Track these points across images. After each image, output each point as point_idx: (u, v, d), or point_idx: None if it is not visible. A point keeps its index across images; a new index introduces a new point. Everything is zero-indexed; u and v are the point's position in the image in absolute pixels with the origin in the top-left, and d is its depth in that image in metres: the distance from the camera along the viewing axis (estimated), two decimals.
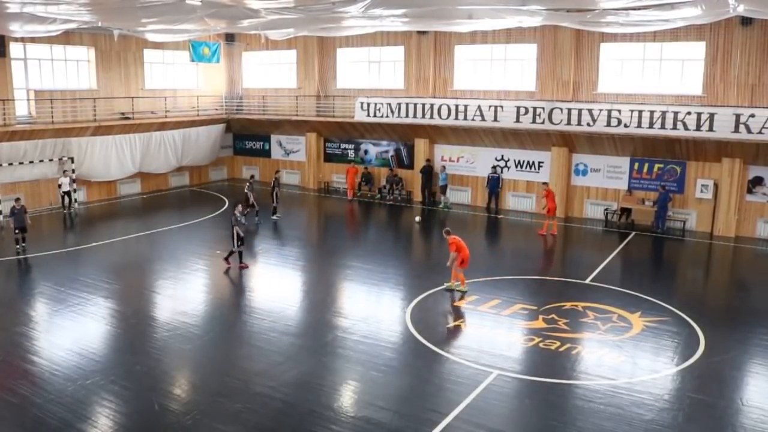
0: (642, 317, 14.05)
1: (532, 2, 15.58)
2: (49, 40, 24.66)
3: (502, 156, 25.98)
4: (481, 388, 10.68)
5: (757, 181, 21.51)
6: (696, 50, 22.15)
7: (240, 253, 17.67)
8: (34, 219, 20.82)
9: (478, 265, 18.21)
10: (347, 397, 10.66)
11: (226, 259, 17.83)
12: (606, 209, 23.91)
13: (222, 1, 15.76)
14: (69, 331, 13.18)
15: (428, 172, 27.03)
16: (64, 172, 25.03)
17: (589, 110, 22.62)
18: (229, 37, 31.52)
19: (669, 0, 14.76)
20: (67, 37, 25.19)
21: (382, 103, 26.93)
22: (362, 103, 27.47)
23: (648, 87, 23.04)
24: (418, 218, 24.33)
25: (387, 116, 26.88)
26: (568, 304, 14.82)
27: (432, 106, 25.78)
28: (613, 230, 22.84)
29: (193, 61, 28.52)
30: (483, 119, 24.72)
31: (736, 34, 21.05)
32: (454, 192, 26.80)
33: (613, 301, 15.12)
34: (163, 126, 28.98)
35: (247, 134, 33.12)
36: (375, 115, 27.21)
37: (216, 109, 32.28)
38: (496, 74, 26.07)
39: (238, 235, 17.54)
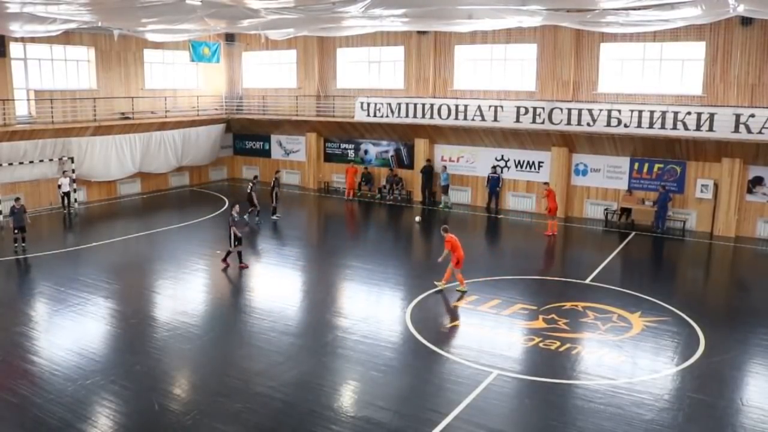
0: (642, 317, 14.05)
1: (532, 2, 15.57)
2: (49, 40, 24.66)
3: (502, 156, 25.98)
4: (481, 388, 10.68)
5: (757, 181, 21.51)
6: (696, 50, 22.15)
7: (239, 253, 17.66)
8: (34, 219, 20.84)
9: (478, 265, 18.22)
10: (347, 397, 10.66)
11: (224, 259, 17.84)
12: (606, 209, 23.91)
13: (222, 1, 15.76)
14: (69, 331, 13.18)
15: (428, 172, 27.03)
16: (64, 172, 25.03)
17: (589, 110, 22.61)
18: (229, 37, 31.53)
19: (669, 0, 14.76)
20: (67, 37, 25.19)
21: (382, 103, 26.93)
22: (362, 103, 27.47)
23: (648, 87, 23.04)
24: (418, 218, 24.33)
25: (387, 116, 26.88)
26: (568, 304, 14.82)
27: (432, 106, 25.77)
28: (613, 230, 22.84)
29: (193, 61, 28.53)
30: (483, 119, 24.72)
31: (736, 34, 21.05)
32: (454, 192, 26.79)
33: (613, 301, 15.12)
34: (163, 126, 28.98)
35: (247, 134, 33.12)
36: (375, 115, 27.21)
37: (216, 109, 32.28)
38: (496, 74, 26.06)
39: (235, 235, 17.54)
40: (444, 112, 25.53)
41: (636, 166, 23.42)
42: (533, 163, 25.39)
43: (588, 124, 22.70)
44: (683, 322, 13.79)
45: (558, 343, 12.57)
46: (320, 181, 30.89)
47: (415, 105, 26.15)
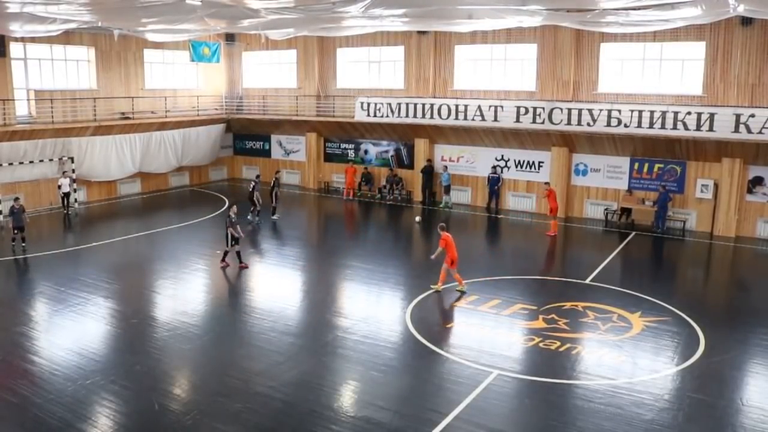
0: (642, 317, 14.05)
1: (532, 2, 15.57)
2: (49, 40, 24.66)
3: (502, 156, 25.97)
4: (481, 388, 10.69)
5: (757, 181, 21.51)
6: (696, 50, 22.14)
7: (238, 253, 17.65)
8: (34, 219, 20.85)
9: (479, 265, 18.25)
10: (347, 397, 10.66)
11: (223, 259, 17.84)
12: (606, 209, 23.91)
13: (222, 1, 15.75)
14: (69, 331, 13.18)
15: (429, 172, 27.03)
16: (64, 173, 25.02)
17: (589, 110, 22.61)
18: (229, 37, 31.53)
19: (669, 0, 14.76)
20: (67, 37, 25.19)
21: (382, 103, 26.93)
22: (362, 103, 27.47)
23: (648, 87, 23.04)
24: (418, 218, 24.33)
25: (387, 116, 26.88)
26: (568, 304, 14.82)
27: (432, 106, 25.77)
28: (613, 230, 22.84)
29: (193, 61, 28.58)
30: (483, 119, 24.72)
31: (736, 34, 21.05)
32: (454, 192, 26.78)
33: (613, 301, 15.12)
34: (163, 126, 28.98)
35: (247, 134, 33.12)
36: (375, 115, 27.21)
37: (216, 109, 32.28)
38: (496, 74, 26.06)
39: (232, 235, 17.53)
40: (444, 112, 25.53)
41: (636, 166, 23.42)
42: (533, 163, 25.39)
43: (588, 124, 22.70)
44: (683, 322, 13.79)
45: (558, 343, 12.57)
46: (320, 181, 30.89)
47: (415, 105, 26.15)
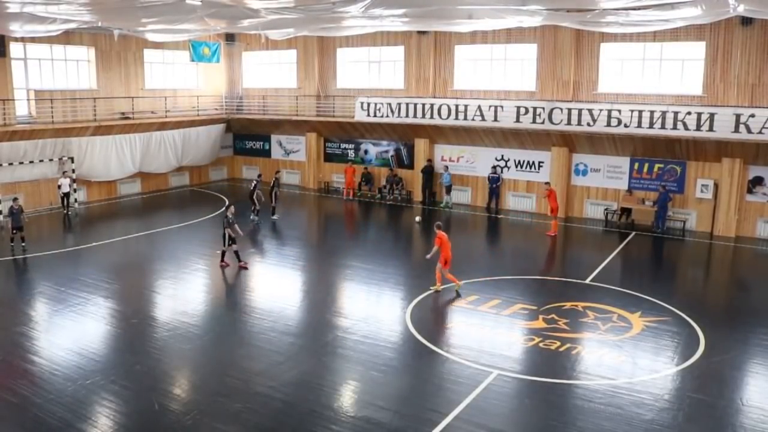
0: (642, 317, 14.05)
1: (532, 2, 15.57)
2: (49, 40, 24.66)
3: (502, 156, 25.98)
4: (481, 388, 10.68)
5: (757, 181, 21.51)
6: (696, 50, 22.14)
7: (236, 253, 17.65)
8: (34, 219, 20.85)
9: (479, 265, 18.27)
10: (347, 397, 10.66)
11: (222, 259, 17.84)
12: (606, 209, 23.91)
13: (222, 1, 15.75)
14: (69, 331, 13.18)
15: (429, 171, 27.04)
16: (64, 173, 25.02)
17: (589, 110, 22.61)
18: (229, 37, 31.53)
19: (669, 0, 14.76)
20: (67, 37, 25.19)
21: (382, 103, 26.93)
22: (362, 103, 27.47)
23: (648, 87, 23.04)
24: (418, 218, 24.33)
25: (387, 116, 26.88)
26: (568, 304, 14.82)
27: (432, 106, 25.77)
28: (613, 230, 22.84)
29: (193, 61, 28.58)
30: (483, 119, 24.72)
31: (736, 34, 21.05)
32: (454, 192, 26.76)
33: (613, 301, 15.12)
34: (163, 126, 28.98)
35: (247, 134, 33.12)
36: (375, 115, 27.21)
37: (216, 109, 32.29)
38: (496, 74, 26.06)
39: (229, 235, 17.53)
40: (444, 112, 25.52)
41: (636, 166, 23.42)
42: (533, 163, 25.39)
43: (588, 124, 22.70)
44: (683, 322, 13.79)
45: (558, 343, 12.57)
46: (320, 181, 30.90)
47: (415, 105, 26.15)
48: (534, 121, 23.68)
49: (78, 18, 18.45)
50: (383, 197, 28.30)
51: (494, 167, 25.94)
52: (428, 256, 15.74)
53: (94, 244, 20.28)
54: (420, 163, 27.46)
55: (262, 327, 13.51)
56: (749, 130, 20.12)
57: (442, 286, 15.67)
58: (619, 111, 22.04)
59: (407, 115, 26.38)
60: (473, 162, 26.67)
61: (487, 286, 16.11)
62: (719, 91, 21.73)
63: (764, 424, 9.70)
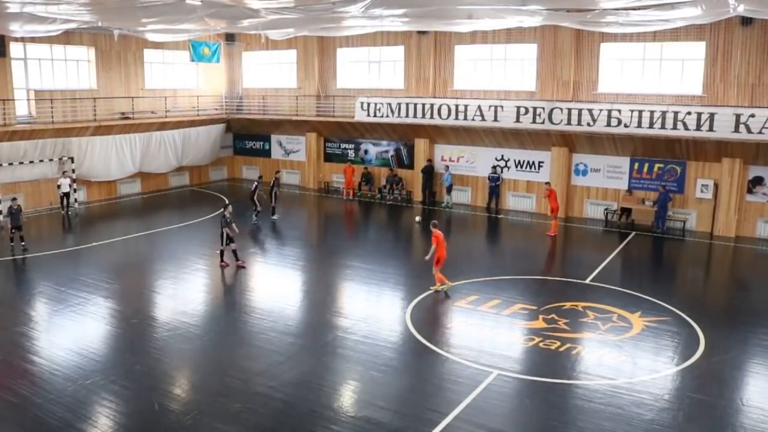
0: (642, 317, 14.05)
1: (532, 2, 15.57)
2: (49, 40, 24.66)
3: (502, 156, 25.98)
4: (481, 388, 10.69)
5: (757, 181, 21.51)
6: (696, 50, 22.14)
7: (234, 252, 17.66)
8: (34, 219, 20.85)
9: (479, 265, 18.27)
10: (347, 397, 10.66)
11: (222, 259, 17.84)
12: (606, 209, 23.91)
13: (222, 1, 15.75)
14: (69, 331, 13.18)
15: (429, 172, 27.03)
16: (64, 173, 25.01)
17: (589, 110, 22.61)
18: (229, 37, 31.53)
19: (669, 0, 14.76)
20: (67, 37, 25.19)
21: (382, 103, 26.93)
22: (362, 103, 27.47)
23: (648, 87, 23.04)
24: (418, 218, 24.30)
25: (387, 116, 26.88)
26: (568, 304, 14.81)
27: (432, 106, 25.77)
28: (613, 230, 22.84)
29: (193, 61, 28.58)
30: (483, 119, 24.72)
31: (736, 34, 21.05)
32: (454, 192, 26.75)
33: (613, 301, 15.12)
34: (163, 126, 28.98)
35: (247, 134, 33.12)
36: (375, 115, 27.21)
37: (216, 109, 32.29)
38: (496, 74, 26.06)
39: (227, 234, 17.54)
40: (444, 112, 25.52)
41: (636, 166, 23.42)
42: (533, 163, 25.39)
43: (588, 124, 22.70)
44: (683, 322, 13.79)
45: (558, 343, 12.57)
46: (320, 181, 30.90)
47: (415, 105, 26.15)
48: (534, 121, 23.68)
49: (78, 18, 18.45)
50: (383, 197, 28.30)
51: (494, 167, 25.95)
52: (428, 257, 15.72)
53: (94, 244, 20.28)
54: (420, 163, 27.46)
55: (262, 327, 13.51)
56: (749, 130, 20.12)
57: (442, 287, 15.67)
58: (619, 111, 22.04)
59: (407, 115, 26.38)
60: (473, 162, 26.67)
61: (487, 286, 16.11)
62: (719, 91, 21.73)
63: (764, 424, 9.70)
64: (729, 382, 11.10)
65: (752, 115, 20.08)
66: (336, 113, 29.31)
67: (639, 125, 21.74)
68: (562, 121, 23.15)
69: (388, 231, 24.62)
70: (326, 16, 17.74)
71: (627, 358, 12.10)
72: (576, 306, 14.74)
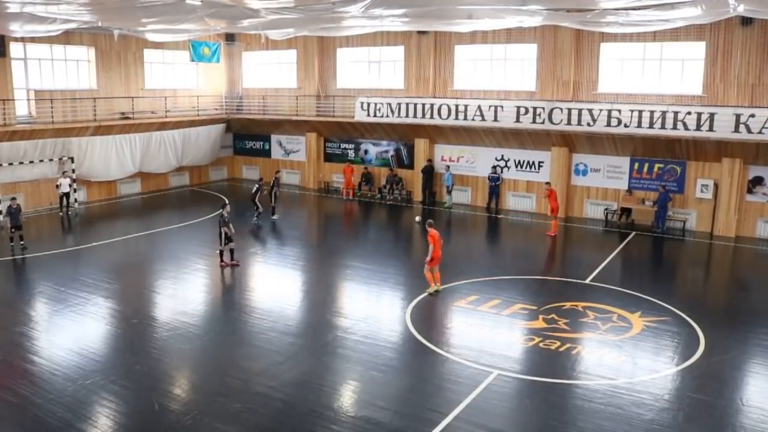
0: (642, 317, 14.05)
1: (532, 2, 15.57)
2: (49, 40, 24.66)
3: (502, 156, 25.98)
4: (481, 388, 10.68)
5: (757, 181, 21.51)
6: (696, 50, 22.14)
7: (231, 251, 17.67)
8: (34, 219, 20.85)
9: (479, 265, 18.28)
10: (347, 397, 10.66)
11: (221, 259, 17.85)
12: (606, 209, 23.91)
13: (222, 1, 15.75)
14: (69, 331, 13.18)
15: (429, 172, 27.03)
16: (64, 173, 25.01)
17: (589, 110, 22.61)
18: (229, 37, 31.53)
19: (669, 0, 14.76)
20: (67, 37, 25.19)
21: (382, 103, 26.93)
22: (362, 103, 27.47)
23: (648, 87, 23.04)
24: (418, 218, 24.18)
25: (387, 116, 26.88)
26: (568, 304, 14.81)
27: (432, 106, 25.77)
28: (613, 230, 22.84)
29: (193, 61, 28.58)
30: (483, 119, 24.72)
31: (736, 34, 21.05)
32: (454, 192, 26.75)
33: (613, 301, 15.12)
34: (163, 126, 28.98)
35: (247, 134, 33.12)
36: (375, 115, 27.21)
37: (216, 109, 32.29)
38: (496, 74, 26.06)
39: (225, 234, 17.55)
40: (444, 112, 25.52)
41: (636, 166, 23.42)
42: (533, 163, 25.39)
43: (588, 124, 22.70)
44: (683, 322, 13.79)
45: (558, 343, 12.57)
46: (320, 181, 30.90)
47: (415, 105, 26.15)
48: (534, 121, 23.68)
49: (78, 18, 18.45)
50: (383, 197, 28.30)
51: (494, 167, 25.95)
52: (428, 259, 15.68)
53: (94, 244, 20.28)
54: (420, 163, 27.46)
55: (262, 327, 13.51)
56: (749, 130, 20.12)
57: (442, 286, 15.67)
58: (619, 111, 22.04)
59: (407, 115, 26.38)
60: (473, 162, 26.67)
61: (487, 286, 16.11)
62: (719, 91, 21.73)
63: (764, 424, 9.70)
64: (729, 382, 11.10)
65: (752, 115, 20.08)
66: (336, 113, 29.31)
67: (639, 125, 21.74)
68: (562, 121, 23.15)
69: (388, 231, 24.62)
70: (326, 16, 17.74)
71: (627, 358, 12.10)
72: (576, 306, 14.74)
